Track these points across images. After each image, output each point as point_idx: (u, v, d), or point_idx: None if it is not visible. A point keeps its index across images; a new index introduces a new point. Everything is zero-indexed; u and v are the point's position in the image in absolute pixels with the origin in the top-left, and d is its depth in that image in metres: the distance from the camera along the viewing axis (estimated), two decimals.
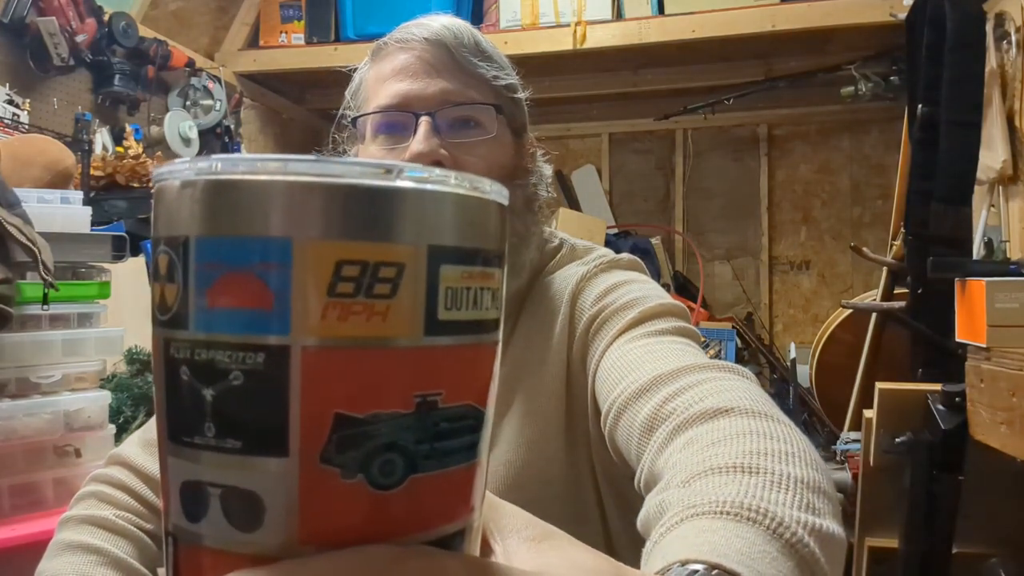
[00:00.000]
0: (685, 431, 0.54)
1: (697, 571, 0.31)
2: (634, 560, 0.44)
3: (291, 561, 0.19)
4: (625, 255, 0.88)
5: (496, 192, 0.22)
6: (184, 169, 0.20)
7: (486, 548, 0.24)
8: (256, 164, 0.19)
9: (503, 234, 0.22)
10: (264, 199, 0.19)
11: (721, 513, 0.38)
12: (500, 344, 0.22)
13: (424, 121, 0.76)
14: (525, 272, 0.84)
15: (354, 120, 0.83)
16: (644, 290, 0.78)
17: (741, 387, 0.58)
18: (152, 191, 0.21)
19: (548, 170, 0.88)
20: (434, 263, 0.20)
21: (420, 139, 0.75)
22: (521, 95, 0.85)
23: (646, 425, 0.59)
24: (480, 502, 0.23)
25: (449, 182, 0.20)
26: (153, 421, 0.92)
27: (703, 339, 3.23)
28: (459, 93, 0.78)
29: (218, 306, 0.19)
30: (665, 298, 0.77)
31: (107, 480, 0.88)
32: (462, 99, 0.78)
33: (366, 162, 0.19)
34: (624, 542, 0.81)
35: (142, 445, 0.90)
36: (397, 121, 0.78)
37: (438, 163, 0.75)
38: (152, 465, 0.87)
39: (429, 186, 0.20)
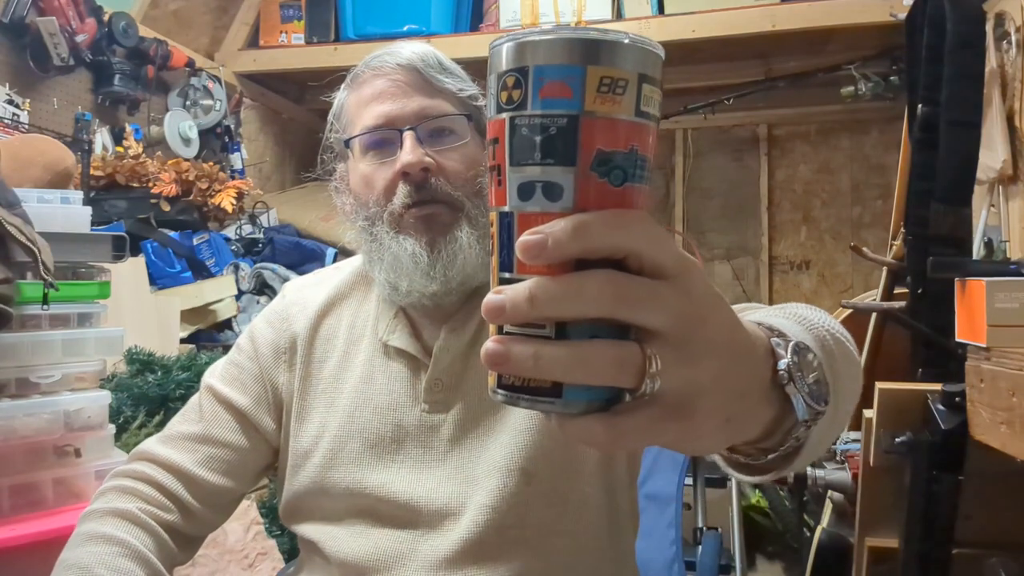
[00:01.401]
0: None
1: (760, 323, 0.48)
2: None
3: (581, 214, 0.37)
4: None
5: (659, 48, 0.39)
6: (524, 35, 0.38)
7: None
8: (564, 30, 0.38)
9: (660, 71, 0.39)
10: (572, 48, 0.37)
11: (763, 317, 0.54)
12: (656, 128, 0.40)
13: (409, 135, 0.86)
14: None
15: (346, 142, 0.91)
16: None
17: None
18: (492, 49, 0.40)
19: None
20: (639, 81, 0.38)
21: (408, 150, 0.85)
22: (482, 101, 0.94)
23: None
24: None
25: (648, 42, 0.38)
26: (172, 423, 0.96)
27: None
28: (433, 107, 0.88)
29: (546, 97, 0.38)
30: None
31: (130, 474, 0.91)
32: (437, 112, 0.88)
33: (614, 31, 0.38)
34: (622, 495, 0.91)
35: (161, 441, 0.94)
36: (384, 138, 0.88)
37: (426, 170, 0.85)
38: (175, 456, 0.91)
39: (640, 44, 0.38)
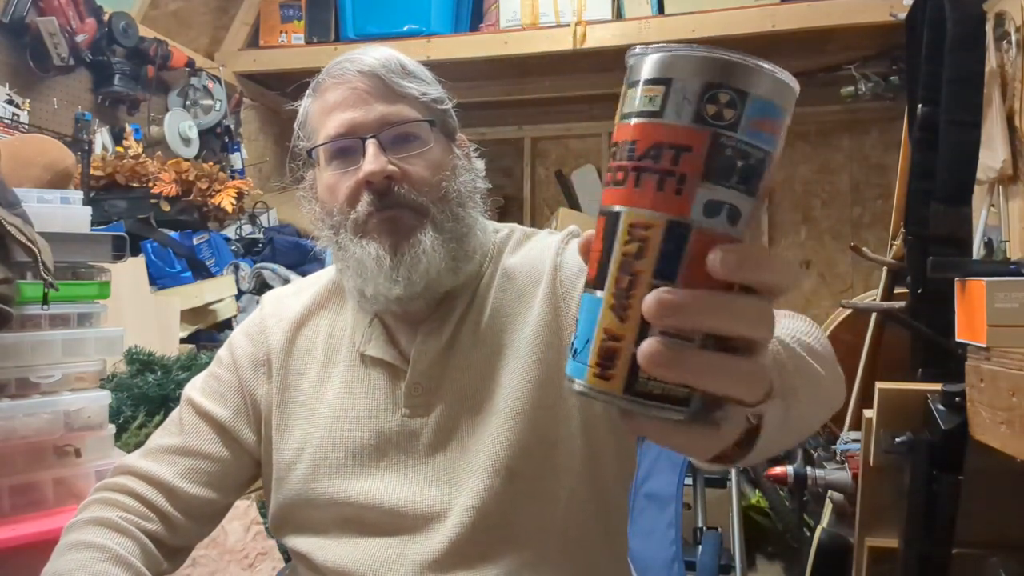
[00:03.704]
0: None
1: None
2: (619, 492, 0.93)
3: (746, 244, 0.39)
4: (574, 227, 0.98)
5: (781, 73, 0.40)
6: (738, 57, 0.39)
7: None
8: (774, 69, 0.39)
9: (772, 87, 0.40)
10: (786, 93, 0.40)
11: None
12: None
13: (371, 143, 0.85)
14: (476, 255, 0.92)
15: (309, 151, 0.91)
16: None
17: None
18: (695, 54, 0.39)
19: (480, 164, 0.96)
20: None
21: (370, 159, 0.84)
22: (448, 104, 0.93)
23: None
24: None
25: (753, 62, 0.39)
26: (153, 436, 0.96)
27: None
28: (395, 114, 0.87)
29: (758, 130, 0.39)
30: None
31: (112, 487, 0.91)
32: (399, 119, 0.87)
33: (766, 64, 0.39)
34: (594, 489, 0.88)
35: (142, 455, 0.94)
36: (347, 147, 0.87)
37: (389, 178, 0.84)
38: (156, 469, 0.91)
39: (767, 66, 0.39)
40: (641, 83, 0.40)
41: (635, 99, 0.40)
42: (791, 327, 0.66)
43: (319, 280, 1.01)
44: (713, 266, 0.38)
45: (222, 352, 1.01)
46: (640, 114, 0.40)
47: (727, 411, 0.42)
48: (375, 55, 0.89)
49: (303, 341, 0.96)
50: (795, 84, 0.40)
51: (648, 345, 0.38)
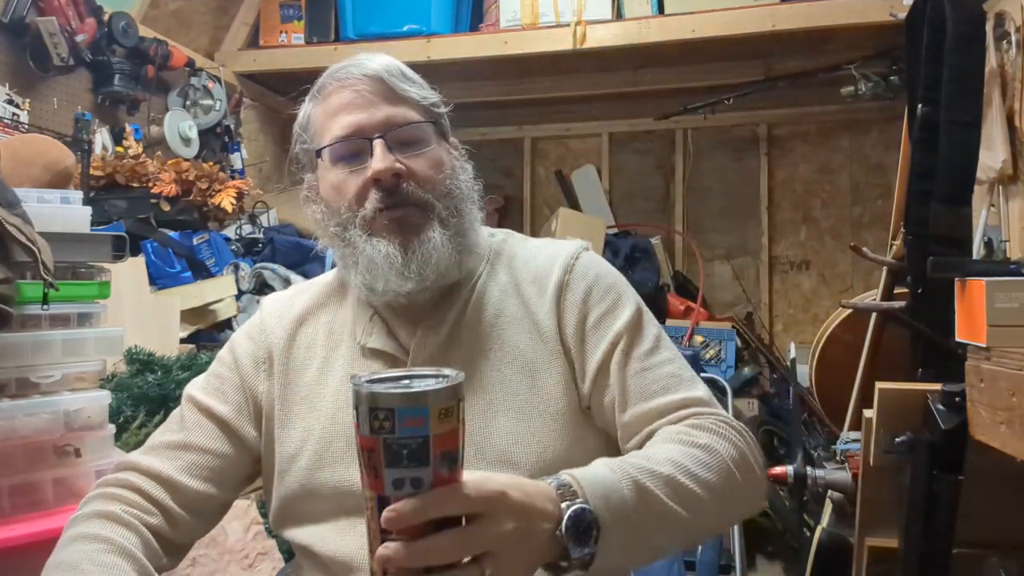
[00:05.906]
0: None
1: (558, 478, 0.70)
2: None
3: (425, 493, 0.57)
4: (586, 243, 1.02)
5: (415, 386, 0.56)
6: (384, 386, 0.57)
7: None
8: (415, 383, 0.58)
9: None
10: (420, 398, 0.56)
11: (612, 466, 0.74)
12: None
13: (378, 143, 0.89)
14: (477, 250, 0.96)
15: (318, 152, 0.94)
16: (617, 287, 0.95)
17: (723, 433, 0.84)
18: (364, 389, 0.57)
19: (469, 165, 1.01)
20: (460, 402, 0.58)
21: (379, 158, 0.89)
22: (443, 109, 0.98)
23: (645, 435, 0.87)
24: None
25: (458, 377, 0.58)
26: (154, 434, 0.98)
27: (702, 339, 3.22)
28: (400, 115, 0.91)
29: (407, 426, 0.56)
30: (633, 293, 0.96)
31: (114, 482, 0.92)
32: (404, 120, 0.92)
33: (442, 377, 0.58)
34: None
35: (144, 451, 0.95)
36: (354, 147, 0.91)
37: (397, 175, 0.88)
38: (158, 464, 0.92)
39: (458, 380, 0.58)
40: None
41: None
42: (685, 457, 0.77)
43: (316, 284, 1.05)
44: (387, 522, 0.56)
45: (223, 352, 1.02)
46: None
47: None
48: (377, 60, 0.93)
49: (304, 338, 0.99)
50: (429, 385, 0.56)
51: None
